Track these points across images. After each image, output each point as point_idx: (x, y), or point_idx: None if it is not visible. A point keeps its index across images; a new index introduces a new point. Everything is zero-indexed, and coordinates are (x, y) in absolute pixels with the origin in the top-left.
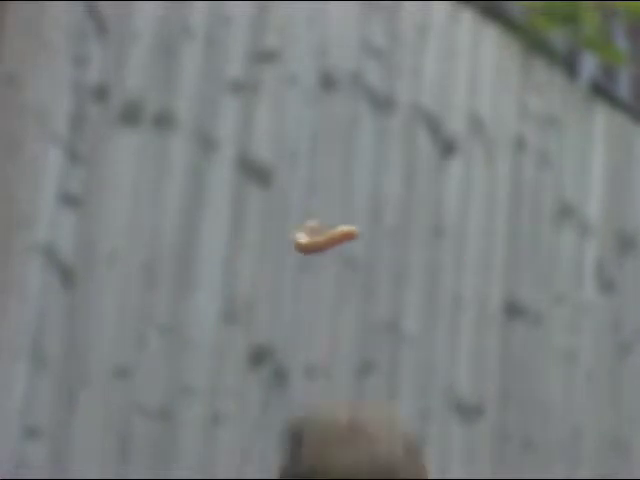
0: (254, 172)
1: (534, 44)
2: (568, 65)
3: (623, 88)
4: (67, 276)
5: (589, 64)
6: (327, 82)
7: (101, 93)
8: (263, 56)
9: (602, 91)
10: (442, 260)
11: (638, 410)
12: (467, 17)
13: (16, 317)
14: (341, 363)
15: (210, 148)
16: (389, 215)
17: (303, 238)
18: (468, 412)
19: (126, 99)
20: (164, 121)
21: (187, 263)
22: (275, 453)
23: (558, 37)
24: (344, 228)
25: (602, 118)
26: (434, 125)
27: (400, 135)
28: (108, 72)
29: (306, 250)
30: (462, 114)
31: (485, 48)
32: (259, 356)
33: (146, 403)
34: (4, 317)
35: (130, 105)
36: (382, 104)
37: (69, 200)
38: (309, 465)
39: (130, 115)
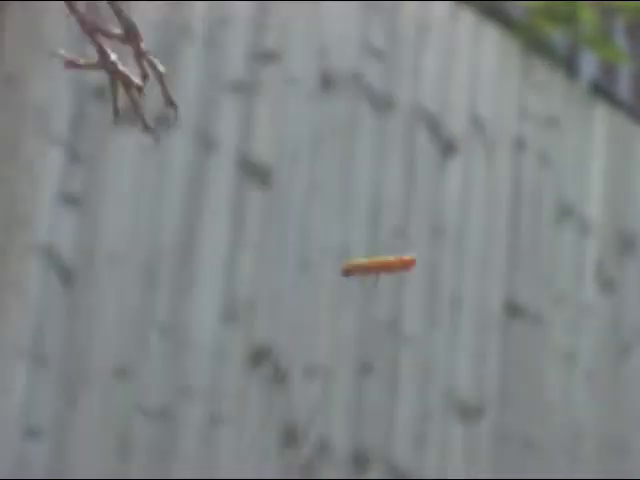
0: (254, 172)
1: (534, 44)
2: (568, 65)
3: (623, 88)
4: (67, 276)
5: (589, 64)
6: (327, 82)
7: (101, 93)
8: (263, 56)
9: (602, 91)
10: (442, 260)
11: (638, 410)
12: (467, 17)
13: (16, 317)
14: (341, 363)
15: (210, 148)
16: (389, 215)
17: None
18: (468, 412)
19: (126, 99)
20: (164, 121)
21: (187, 263)
22: (275, 453)
23: (558, 37)
24: (402, 257)
25: (602, 118)
26: (434, 125)
27: (400, 135)
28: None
29: (348, 271)
30: (462, 114)
31: (485, 48)
32: (259, 356)
33: (146, 403)
34: (4, 317)
35: (130, 105)
36: (382, 104)
37: (69, 200)
38: None
39: (130, 115)
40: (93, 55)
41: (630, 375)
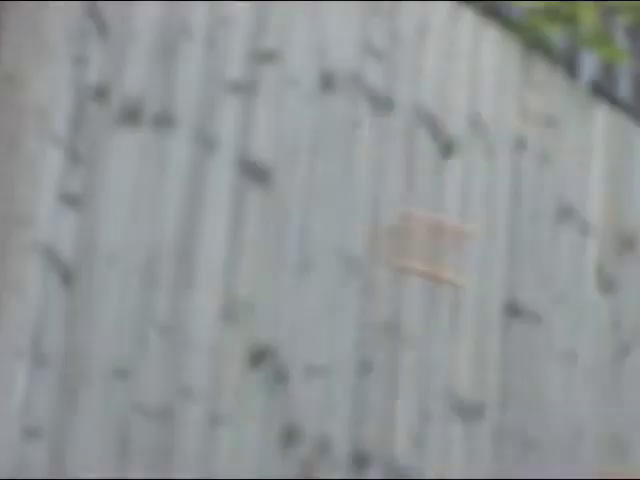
0: (254, 172)
1: (534, 44)
2: (568, 65)
3: (623, 88)
4: (67, 276)
5: (589, 64)
6: (327, 82)
7: (101, 93)
8: (263, 56)
9: (602, 91)
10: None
11: (638, 410)
12: (467, 17)
13: (16, 317)
14: (341, 363)
15: (210, 148)
16: (389, 215)
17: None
18: (468, 412)
19: (126, 99)
20: (164, 121)
21: (187, 263)
22: (275, 453)
23: (558, 37)
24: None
25: (602, 118)
26: (434, 125)
27: (400, 135)
28: (108, 72)
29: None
30: (462, 114)
31: (485, 48)
32: (259, 356)
33: (146, 403)
34: (4, 317)
35: (130, 105)
36: (382, 104)
37: (69, 200)
38: None
39: (130, 115)
40: (93, 55)
41: (630, 375)
